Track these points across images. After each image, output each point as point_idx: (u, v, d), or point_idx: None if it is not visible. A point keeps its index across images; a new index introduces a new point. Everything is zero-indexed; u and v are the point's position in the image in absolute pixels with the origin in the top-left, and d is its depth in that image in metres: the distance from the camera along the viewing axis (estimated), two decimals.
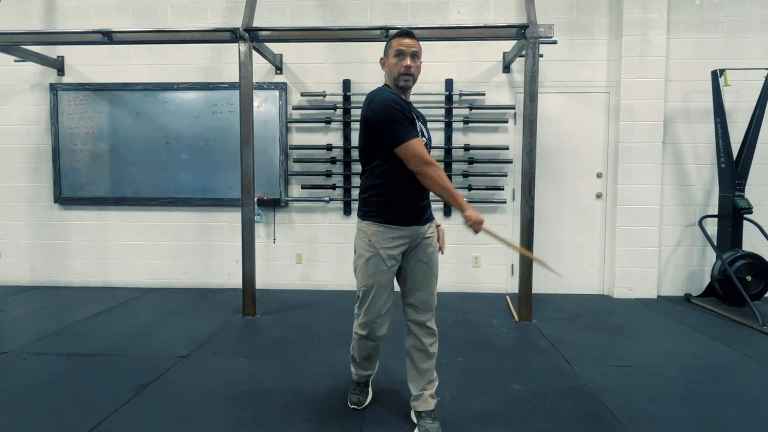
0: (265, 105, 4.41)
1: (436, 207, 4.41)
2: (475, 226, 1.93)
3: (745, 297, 3.63)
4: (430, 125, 4.34)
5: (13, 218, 4.64)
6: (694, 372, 2.68)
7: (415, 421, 2.09)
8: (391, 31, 3.51)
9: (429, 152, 1.98)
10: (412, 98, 2.12)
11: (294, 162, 4.46)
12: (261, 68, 4.36)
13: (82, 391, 2.40)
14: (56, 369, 2.69)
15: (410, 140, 1.88)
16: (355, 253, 2.07)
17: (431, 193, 2.02)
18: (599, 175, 4.39)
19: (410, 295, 2.07)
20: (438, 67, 4.37)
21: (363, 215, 2.03)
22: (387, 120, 1.88)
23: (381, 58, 2.09)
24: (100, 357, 2.86)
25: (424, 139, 2.01)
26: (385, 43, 2.26)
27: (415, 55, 1.99)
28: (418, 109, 2.16)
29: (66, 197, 4.56)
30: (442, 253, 2.14)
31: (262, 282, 4.32)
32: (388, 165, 1.94)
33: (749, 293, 3.73)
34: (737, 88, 4.14)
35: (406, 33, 2.00)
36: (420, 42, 2.05)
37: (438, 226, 2.15)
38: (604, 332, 3.36)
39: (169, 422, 2.12)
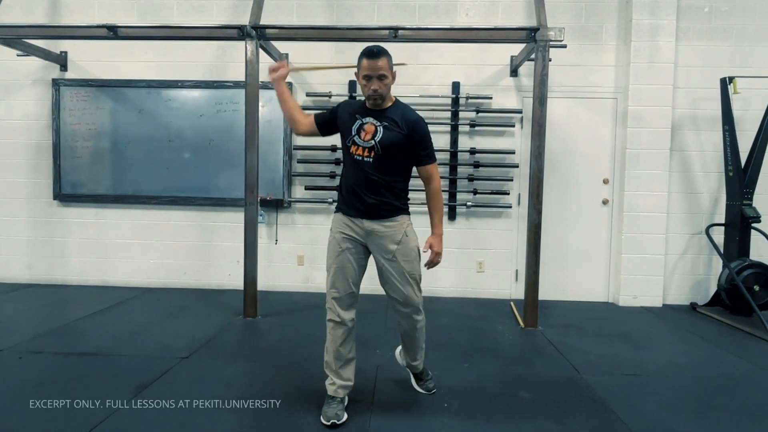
0: (269, 105, 4.36)
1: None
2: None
3: (753, 307, 3.59)
4: (436, 128, 4.32)
5: (12, 214, 4.58)
6: (706, 382, 2.63)
7: (402, 364, 2.45)
8: (399, 32, 3.47)
9: (366, 151, 2.12)
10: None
11: (298, 162, 4.41)
12: (267, 67, 4.30)
13: (79, 392, 2.33)
14: (53, 368, 2.62)
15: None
16: (409, 251, 2.27)
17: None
18: (606, 182, 4.35)
19: (386, 290, 2.25)
20: (445, 70, 4.34)
21: (407, 212, 2.33)
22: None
23: (355, 73, 2.19)
24: (98, 357, 2.79)
25: (357, 135, 2.14)
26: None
27: (382, 77, 2.08)
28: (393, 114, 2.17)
29: (66, 194, 4.50)
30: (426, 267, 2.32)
31: (263, 283, 4.25)
32: (349, 168, 2.19)
33: (757, 303, 3.68)
34: (745, 96, 4.10)
35: (374, 54, 2.07)
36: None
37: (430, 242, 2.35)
38: (611, 340, 3.31)
39: (168, 424, 2.06)
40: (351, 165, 2.17)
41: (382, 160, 2.12)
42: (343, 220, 2.20)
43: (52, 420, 2.08)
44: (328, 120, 2.27)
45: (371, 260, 2.25)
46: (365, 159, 2.12)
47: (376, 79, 2.07)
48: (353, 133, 2.16)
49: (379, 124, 2.13)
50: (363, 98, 2.21)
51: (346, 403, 2.19)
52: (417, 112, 2.21)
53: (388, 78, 2.10)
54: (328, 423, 2.05)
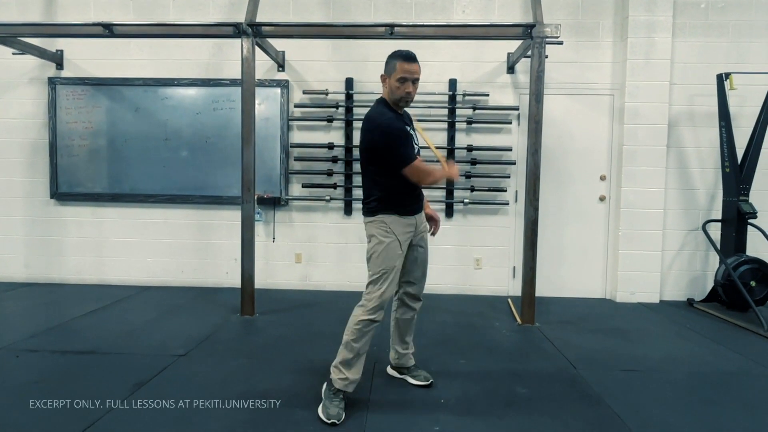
0: (266, 102, 4.36)
1: (438, 208, 4.37)
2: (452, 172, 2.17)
3: (749, 302, 3.60)
4: (433, 125, 4.32)
5: (9, 213, 4.57)
6: (702, 377, 2.64)
7: (397, 375, 2.52)
8: (396, 28, 3.47)
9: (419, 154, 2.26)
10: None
11: (295, 160, 4.41)
12: (263, 65, 4.32)
13: (77, 390, 2.33)
14: (50, 366, 2.62)
15: (414, 162, 2.12)
16: (369, 242, 2.23)
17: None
18: (603, 178, 4.36)
19: (410, 275, 2.34)
20: (442, 67, 4.33)
21: (380, 210, 2.21)
22: (389, 146, 2.10)
23: (382, 75, 2.22)
24: (95, 355, 2.80)
25: (416, 146, 2.26)
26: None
27: (416, 81, 2.17)
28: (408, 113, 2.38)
29: (62, 193, 4.49)
30: (433, 235, 2.47)
31: (260, 281, 4.25)
32: (395, 178, 2.16)
33: (753, 298, 3.69)
34: (742, 92, 4.11)
35: (411, 58, 2.15)
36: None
37: (430, 214, 2.44)
38: (608, 336, 3.31)
39: (166, 422, 2.06)
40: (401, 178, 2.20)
41: None
42: (405, 219, 2.22)
43: (50, 418, 2.08)
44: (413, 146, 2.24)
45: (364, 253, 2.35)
46: None
47: (411, 82, 2.14)
48: (417, 143, 2.29)
49: (413, 132, 2.28)
50: (383, 103, 2.23)
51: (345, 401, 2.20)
52: (412, 108, 2.31)
53: (417, 83, 2.20)
54: (329, 421, 2.04)
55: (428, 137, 2.44)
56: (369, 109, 2.26)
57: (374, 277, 2.18)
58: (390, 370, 2.57)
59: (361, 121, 2.25)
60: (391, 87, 2.17)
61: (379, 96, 2.30)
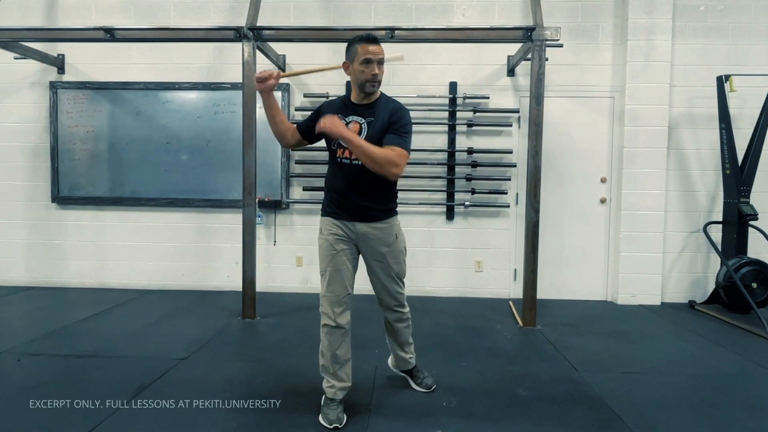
0: None
1: (439, 210, 4.37)
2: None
3: (751, 304, 3.59)
4: (433, 128, 4.33)
5: (10, 217, 4.58)
6: (703, 379, 2.64)
7: (398, 372, 2.52)
8: (396, 32, 3.48)
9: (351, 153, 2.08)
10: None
11: (296, 163, 4.42)
12: (264, 68, 4.31)
13: (78, 393, 2.33)
14: (51, 370, 2.62)
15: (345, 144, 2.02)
16: (398, 253, 2.25)
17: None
18: (603, 180, 4.36)
19: (374, 286, 2.29)
20: (442, 70, 4.35)
21: (395, 213, 2.24)
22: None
23: (344, 63, 2.10)
24: (97, 358, 2.79)
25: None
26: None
27: (381, 62, 2.03)
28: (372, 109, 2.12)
29: (63, 197, 4.50)
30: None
31: (261, 285, 4.25)
32: (330, 163, 2.17)
33: (755, 300, 3.69)
34: (742, 94, 4.11)
35: (372, 39, 2.03)
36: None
37: None
38: (609, 338, 3.31)
39: (167, 425, 2.06)
40: (338, 167, 2.11)
41: None
42: (333, 222, 2.14)
43: (52, 421, 2.08)
44: (308, 129, 2.16)
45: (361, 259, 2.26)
46: (353, 162, 2.05)
47: (377, 63, 2.01)
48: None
49: (363, 121, 2.07)
50: (344, 95, 2.19)
51: (343, 404, 2.18)
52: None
53: (383, 64, 2.05)
54: (331, 426, 2.03)
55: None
56: None
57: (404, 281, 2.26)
58: (390, 364, 2.57)
59: None
60: (355, 71, 2.03)
61: (390, 96, 2.20)
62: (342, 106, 2.14)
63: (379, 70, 2.02)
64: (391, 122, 2.03)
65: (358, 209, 2.11)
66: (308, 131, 2.17)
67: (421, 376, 2.46)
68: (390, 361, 2.56)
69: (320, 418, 2.09)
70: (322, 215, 2.20)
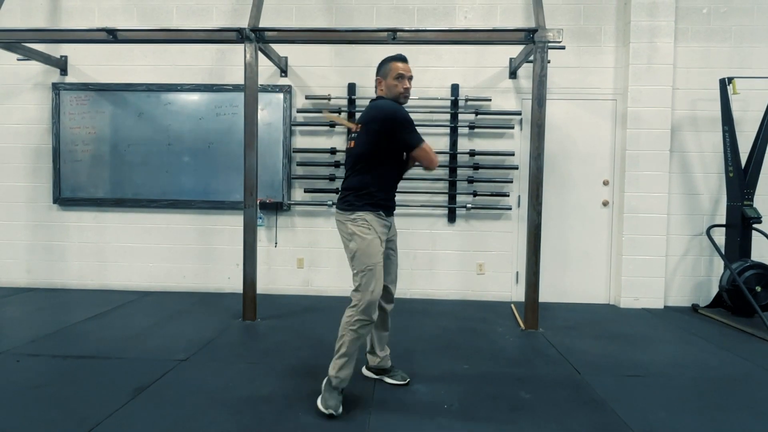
0: (269, 108, 4.37)
1: (440, 213, 4.36)
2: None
3: (755, 307, 3.57)
4: (435, 130, 4.33)
5: (11, 218, 4.58)
6: (707, 382, 2.61)
7: (374, 376, 2.55)
8: (398, 33, 3.48)
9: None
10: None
11: (297, 165, 4.41)
12: (266, 70, 4.33)
13: (77, 394, 2.32)
14: (51, 371, 2.61)
15: (424, 143, 2.25)
16: (351, 240, 2.24)
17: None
18: (606, 183, 4.35)
19: (386, 278, 2.38)
20: (444, 72, 4.34)
21: (358, 207, 2.24)
22: (406, 125, 2.21)
23: (377, 78, 2.37)
24: (96, 359, 2.78)
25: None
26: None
27: (411, 78, 2.36)
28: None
29: (65, 198, 4.50)
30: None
31: (262, 286, 4.24)
32: (387, 166, 2.28)
33: (759, 304, 3.66)
34: (744, 97, 4.11)
35: (405, 59, 2.34)
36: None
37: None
38: (612, 341, 3.29)
39: (166, 426, 2.05)
40: (391, 168, 2.33)
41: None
42: (382, 221, 2.29)
43: (50, 422, 2.06)
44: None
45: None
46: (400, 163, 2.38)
47: (408, 79, 2.32)
48: None
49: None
50: (385, 99, 2.32)
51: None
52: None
53: (411, 81, 2.36)
54: (327, 411, 2.13)
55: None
56: (372, 104, 2.33)
57: (358, 277, 2.25)
58: (366, 371, 2.60)
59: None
60: (388, 86, 2.31)
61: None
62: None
63: (410, 84, 2.34)
64: (381, 131, 2.21)
65: (394, 204, 2.41)
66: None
67: (396, 370, 2.56)
68: (371, 362, 2.57)
69: (318, 402, 2.19)
70: (367, 211, 2.24)
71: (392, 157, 2.29)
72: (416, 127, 2.26)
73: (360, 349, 2.29)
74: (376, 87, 2.38)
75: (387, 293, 2.43)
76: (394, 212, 2.41)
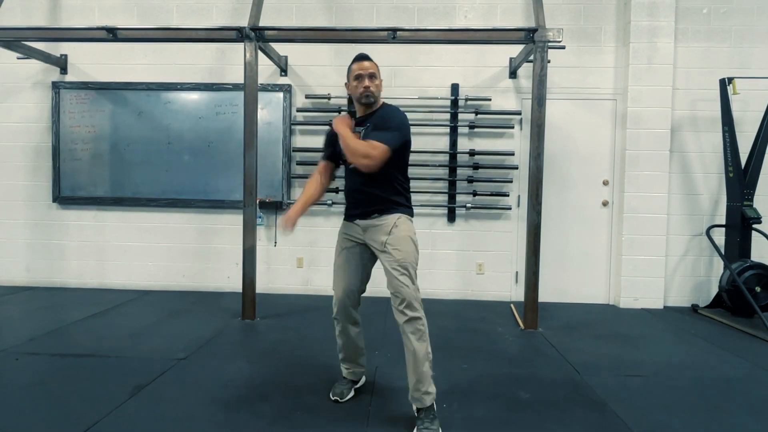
0: (269, 107, 4.37)
1: (440, 212, 4.36)
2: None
3: (755, 308, 3.57)
4: (435, 129, 4.33)
5: (11, 217, 4.58)
6: (707, 383, 2.61)
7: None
8: (398, 33, 3.48)
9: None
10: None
11: (297, 165, 4.41)
12: (266, 70, 4.33)
13: (76, 392, 2.32)
14: (50, 369, 2.61)
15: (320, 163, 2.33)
16: (399, 240, 2.15)
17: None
18: (605, 183, 4.34)
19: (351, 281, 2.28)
20: (444, 72, 4.34)
21: (404, 210, 2.23)
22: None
23: (345, 83, 2.28)
24: (95, 358, 2.78)
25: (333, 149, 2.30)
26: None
27: (373, 76, 2.16)
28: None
29: (65, 197, 4.50)
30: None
31: (262, 286, 4.24)
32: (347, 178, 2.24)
33: (758, 304, 3.66)
34: (744, 97, 4.11)
35: (363, 57, 2.20)
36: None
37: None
38: (612, 341, 3.28)
39: (165, 425, 2.04)
40: (347, 174, 2.26)
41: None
42: (345, 224, 2.30)
43: (49, 420, 2.06)
44: (330, 152, 2.31)
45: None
46: (352, 167, 2.18)
47: (367, 77, 2.14)
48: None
49: (362, 130, 2.17)
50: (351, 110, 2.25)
51: (358, 385, 2.41)
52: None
53: (377, 79, 2.18)
54: (333, 398, 2.27)
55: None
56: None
57: (412, 274, 2.16)
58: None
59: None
60: (351, 89, 2.20)
61: (383, 100, 2.29)
62: (351, 123, 2.26)
63: (371, 83, 2.14)
64: (380, 123, 2.13)
65: (362, 210, 2.23)
66: (330, 158, 2.33)
67: (427, 418, 2.03)
68: (348, 374, 2.40)
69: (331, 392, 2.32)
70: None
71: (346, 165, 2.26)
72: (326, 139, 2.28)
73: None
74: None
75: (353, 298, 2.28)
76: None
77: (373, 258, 2.28)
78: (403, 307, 2.07)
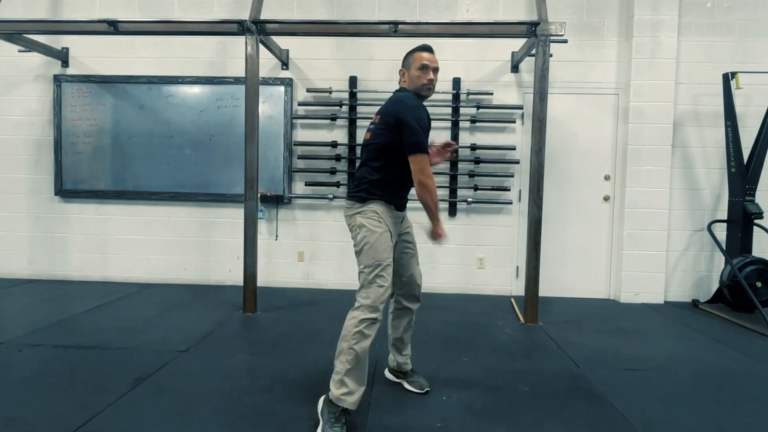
0: (270, 100, 4.36)
1: (441, 207, 4.35)
2: (439, 240, 2.21)
3: (755, 303, 3.57)
4: (436, 124, 4.31)
5: (13, 210, 4.59)
6: (707, 377, 2.61)
7: (394, 379, 2.45)
8: (399, 26, 3.47)
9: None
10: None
11: (298, 158, 4.41)
12: (267, 63, 4.32)
13: (78, 383, 2.34)
14: (52, 361, 2.62)
15: (424, 154, 2.07)
16: (359, 233, 2.12)
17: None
18: (607, 178, 4.33)
19: (405, 274, 2.32)
20: (446, 66, 4.31)
21: (369, 198, 2.13)
22: (413, 127, 2.04)
23: (400, 70, 2.25)
24: (97, 350, 2.80)
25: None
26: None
27: (437, 71, 2.21)
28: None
29: (67, 190, 4.51)
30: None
31: (263, 280, 4.25)
32: (401, 162, 2.10)
33: (759, 299, 3.66)
34: (747, 92, 4.09)
35: (430, 49, 2.21)
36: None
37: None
38: (612, 336, 3.29)
39: (166, 416, 2.06)
40: (407, 165, 2.15)
41: None
42: (393, 213, 2.18)
43: (51, 410, 2.08)
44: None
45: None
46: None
47: (433, 70, 2.18)
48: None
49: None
50: (409, 94, 2.16)
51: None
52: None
53: (437, 73, 2.22)
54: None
55: None
56: (392, 96, 2.20)
57: (366, 272, 2.06)
58: (387, 374, 2.50)
59: (376, 111, 2.22)
60: (412, 77, 2.18)
61: (392, 91, 2.28)
62: (427, 115, 2.20)
63: (435, 77, 2.19)
64: (396, 126, 2.07)
65: (405, 201, 2.28)
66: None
67: (416, 375, 2.42)
68: (390, 362, 2.49)
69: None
70: (380, 202, 2.13)
71: (404, 154, 2.11)
72: (425, 130, 2.10)
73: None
74: (399, 79, 2.25)
75: (410, 291, 2.34)
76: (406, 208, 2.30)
77: None
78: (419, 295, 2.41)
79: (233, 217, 4.44)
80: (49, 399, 2.18)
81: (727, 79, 3.91)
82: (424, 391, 2.33)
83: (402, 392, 2.34)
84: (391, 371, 2.48)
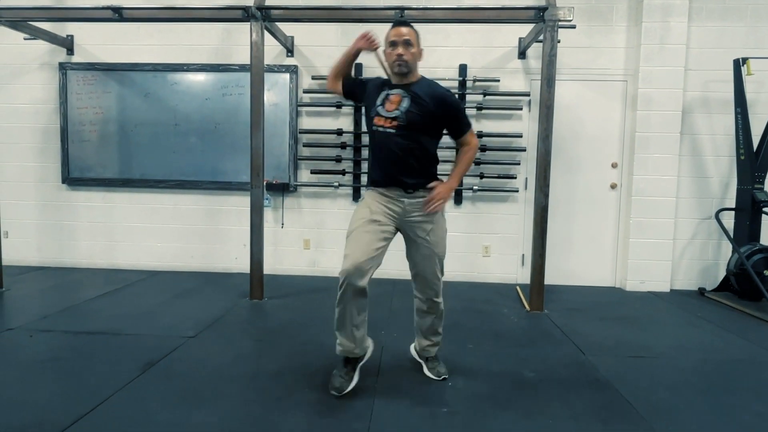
0: (275, 88, 4.34)
1: None
2: (441, 201, 2.16)
3: (763, 291, 3.55)
4: None
5: (21, 198, 4.62)
6: (713, 364, 2.62)
7: (417, 358, 2.46)
8: (406, 12, 3.43)
9: (388, 121, 2.13)
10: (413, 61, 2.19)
11: (304, 146, 4.40)
12: (272, 50, 4.30)
13: (88, 368, 2.37)
14: (62, 346, 2.66)
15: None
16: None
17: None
18: (614, 165, 4.30)
19: (416, 268, 2.28)
20: (452, 52, 4.29)
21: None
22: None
23: (383, 51, 2.24)
24: (107, 335, 2.83)
25: (387, 113, 2.15)
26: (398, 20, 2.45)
27: (408, 43, 2.10)
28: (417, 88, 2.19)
29: (74, 178, 4.53)
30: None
31: (269, 267, 4.26)
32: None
33: (766, 288, 3.64)
34: (759, 78, 4.03)
35: (400, 23, 2.16)
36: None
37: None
38: (617, 323, 3.29)
39: (175, 400, 2.09)
40: (377, 140, 2.18)
41: (405, 131, 2.11)
42: (380, 192, 2.18)
43: (62, 394, 2.11)
44: (355, 84, 2.35)
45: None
46: (387, 130, 2.12)
47: (402, 44, 2.09)
48: (377, 104, 2.17)
49: (406, 95, 2.14)
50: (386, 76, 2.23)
51: (357, 371, 2.20)
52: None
53: (414, 47, 2.12)
54: (331, 392, 2.14)
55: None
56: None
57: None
58: (412, 350, 2.52)
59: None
60: (387, 56, 2.18)
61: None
62: (384, 83, 2.24)
63: (405, 51, 2.09)
64: (449, 114, 2.17)
65: (402, 178, 2.16)
66: (349, 84, 2.37)
67: (436, 362, 2.40)
68: (415, 343, 2.51)
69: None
70: (368, 188, 2.24)
71: (371, 128, 2.25)
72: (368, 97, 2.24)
73: None
74: None
75: (422, 288, 2.28)
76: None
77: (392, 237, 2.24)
78: (435, 296, 2.32)
79: (239, 205, 4.45)
80: (60, 383, 2.22)
81: (738, 65, 3.86)
82: (441, 378, 2.32)
83: (408, 379, 2.36)
84: (416, 350, 2.50)
